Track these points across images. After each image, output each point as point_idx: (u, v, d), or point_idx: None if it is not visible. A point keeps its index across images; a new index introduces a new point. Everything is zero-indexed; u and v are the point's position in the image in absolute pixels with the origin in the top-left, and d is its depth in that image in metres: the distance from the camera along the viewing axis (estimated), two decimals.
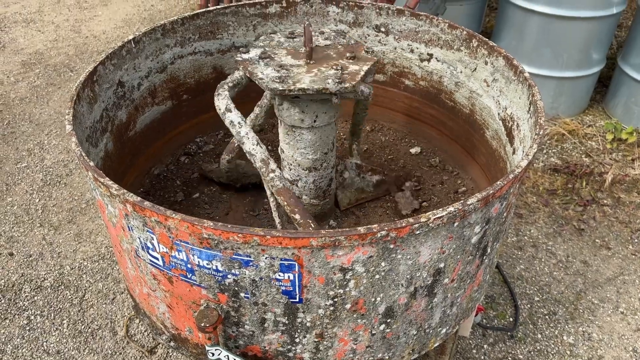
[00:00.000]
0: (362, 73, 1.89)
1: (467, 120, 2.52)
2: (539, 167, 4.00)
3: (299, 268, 1.42)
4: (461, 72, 2.45)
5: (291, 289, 1.48)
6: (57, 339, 2.88)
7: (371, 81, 2.04)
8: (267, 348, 1.66)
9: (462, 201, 1.43)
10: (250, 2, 2.59)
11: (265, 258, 1.40)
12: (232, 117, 1.83)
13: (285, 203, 1.78)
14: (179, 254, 1.49)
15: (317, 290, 1.49)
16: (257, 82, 1.80)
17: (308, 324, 1.57)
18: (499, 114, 2.25)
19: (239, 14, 2.60)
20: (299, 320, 1.56)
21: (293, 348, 1.65)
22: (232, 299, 1.53)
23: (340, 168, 2.35)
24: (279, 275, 1.44)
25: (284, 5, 2.63)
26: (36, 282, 3.19)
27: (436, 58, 2.54)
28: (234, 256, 1.42)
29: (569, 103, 4.47)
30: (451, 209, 1.41)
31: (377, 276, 1.48)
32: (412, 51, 2.61)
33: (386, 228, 1.35)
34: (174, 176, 2.62)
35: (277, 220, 1.93)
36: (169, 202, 2.46)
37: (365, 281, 1.49)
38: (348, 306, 1.54)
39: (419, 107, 2.75)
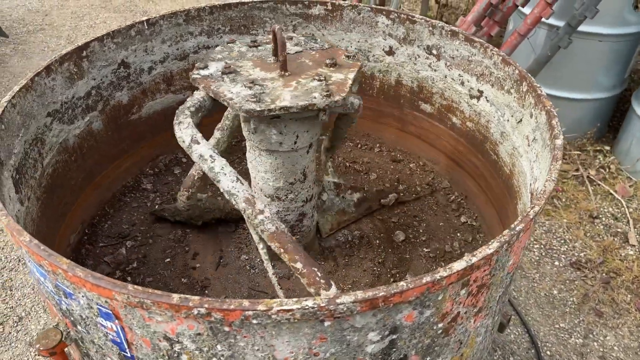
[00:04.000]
0: (350, 81, 1.54)
1: (505, 182, 1.97)
2: None
3: (118, 321, 1.14)
4: (508, 120, 1.91)
5: (119, 341, 1.20)
6: None
7: (356, 90, 1.66)
8: None
9: (329, 297, 1.02)
10: None
11: (82, 297, 1.15)
12: (201, 150, 1.46)
13: (282, 250, 1.39)
14: (28, 262, 1.31)
15: (146, 352, 1.19)
16: (225, 103, 1.50)
17: None
18: (530, 184, 1.70)
19: (277, 11, 2.34)
20: None
21: None
22: (74, 328, 1.31)
23: (318, 189, 1.98)
24: (102, 322, 1.18)
25: (329, 8, 2.31)
26: None
27: (486, 97, 2.02)
28: (57, 283, 1.19)
29: None
30: (309, 303, 1.01)
31: (214, 359, 1.14)
32: (462, 84, 2.12)
33: (206, 305, 1.01)
34: (182, 170, 2.47)
35: (270, 272, 1.51)
36: (155, 202, 2.33)
37: None
38: None
39: (463, 152, 2.24)
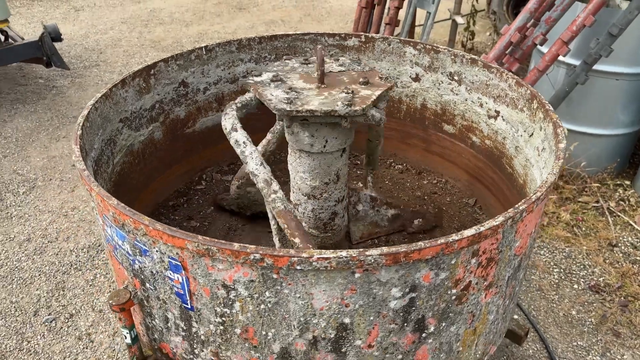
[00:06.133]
0: (374, 97, 1.80)
1: (520, 192, 2.17)
2: None
3: (184, 271, 1.38)
4: (521, 135, 2.14)
5: (182, 293, 1.44)
6: None
7: (384, 107, 1.94)
8: (174, 350, 1.63)
9: (360, 250, 1.25)
10: (330, 32, 2.64)
11: (156, 251, 1.40)
12: (237, 136, 1.78)
13: (286, 226, 1.66)
14: (107, 229, 1.57)
15: (204, 302, 1.42)
16: (265, 103, 1.80)
17: (202, 337, 1.51)
18: None
19: (317, 42, 2.66)
20: (194, 329, 1.51)
21: (194, 359, 1.59)
22: (142, 287, 1.55)
23: (354, 200, 2.21)
24: (170, 274, 1.42)
25: (363, 40, 2.62)
26: None
27: (502, 117, 2.26)
28: (135, 242, 1.44)
29: None
30: (343, 254, 1.24)
31: (262, 306, 1.37)
32: (481, 105, 2.37)
33: (261, 252, 1.25)
34: (221, 183, 2.75)
35: (277, 245, 1.83)
36: (199, 208, 2.60)
37: (252, 308, 1.38)
38: (238, 331, 1.44)
39: (482, 168, 2.46)
